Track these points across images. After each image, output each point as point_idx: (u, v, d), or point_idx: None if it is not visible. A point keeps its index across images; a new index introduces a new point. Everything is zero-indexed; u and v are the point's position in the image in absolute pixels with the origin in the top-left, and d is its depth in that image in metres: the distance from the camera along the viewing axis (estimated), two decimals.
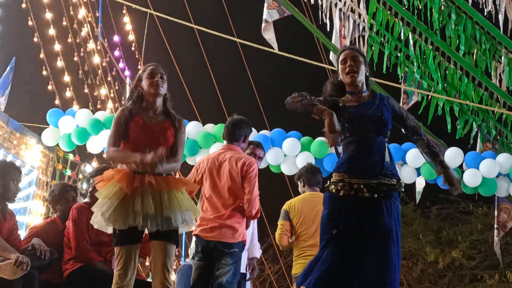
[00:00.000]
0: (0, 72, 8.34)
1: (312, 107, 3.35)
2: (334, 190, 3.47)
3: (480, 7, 7.89)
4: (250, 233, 5.14)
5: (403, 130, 3.77)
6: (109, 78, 12.34)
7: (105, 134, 7.04)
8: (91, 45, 11.93)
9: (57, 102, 10.57)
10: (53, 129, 7.40)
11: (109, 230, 3.74)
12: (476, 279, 14.79)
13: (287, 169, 7.27)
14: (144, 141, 3.75)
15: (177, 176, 4.09)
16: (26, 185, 7.53)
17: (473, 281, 14.84)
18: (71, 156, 8.32)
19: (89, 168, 8.47)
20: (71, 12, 11.70)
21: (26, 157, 7.42)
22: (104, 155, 3.84)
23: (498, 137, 8.28)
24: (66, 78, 11.45)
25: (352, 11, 8.40)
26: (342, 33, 8.32)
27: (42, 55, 10.92)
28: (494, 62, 8.11)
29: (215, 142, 7.16)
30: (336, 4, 8.35)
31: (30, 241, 4.54)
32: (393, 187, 3.47)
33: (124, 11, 12.25)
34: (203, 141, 7.17)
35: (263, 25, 8.05)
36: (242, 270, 4.90)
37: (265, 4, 8.07)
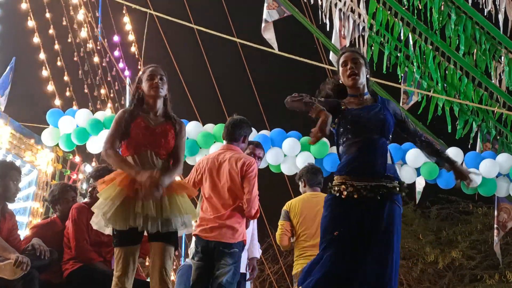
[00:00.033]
0: (0, 72, 8.34)
1: (311, 105, 3.33)
2: (337, 193, 3.44)
3: (480, 7, 7.89)
4: (250, 233, 5.14)
5: (404, 134, 3.76)
6: (109, 78, 12.34)
7: (105, 134, 7.03)
8: (91, 45, 11.93)
9: (57, 102, 10.56)
10: (53, 129, 7.39)
11: (107, 231, 3.74)
12: (476, 279, 14.79)
13: (287, 169, 7.26)
14: (145, 143, 3.76)
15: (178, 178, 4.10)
16: (26, 185, 7.54)
17: (473, 281, 14.84)
18: (71, 157, 8.33)
19: (89, 168, 8.47)
20: (71, 12, 11.70)
21: (26, 157, 7.42)
22: (102, 153, 3.81)
23: (498, 137, 8.28)
24: (66, 78, 11.45)
25: (352, 11, 8.40)
26: (342, 33, 8.32)
27: (42, 55, 10.91)
28: (494, 62, 8.12)
29: (215, 142, 7.16)
30: (336, 4, 8.35)
31: (30, 241, 4.54)
32: (395, 190, 3.46)
33: (124, 11, 12.25)
34: (203, 141, 7.17)
35: (263, 25, 8.05)
36: (242, 270, 4.90)
37: (265, 4, 8.08)
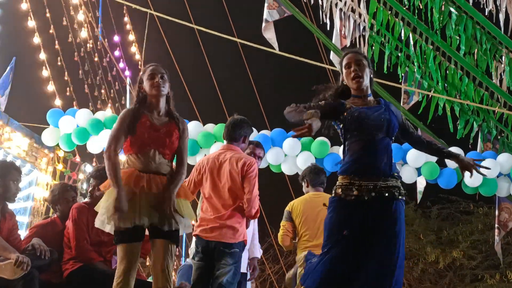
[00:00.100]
0: (0, 72, 8.34)
1: (304, 112, 3.26)
2: (343, 195, 3.39)
3: (481, 6, 7.88)
4: (250, 233, 5.13)
5: (404, 139, 3.76)
6: (109, 78, 12.34)
7: (105, 134, 7.04)
8: (91, 45, 11.93)
9: (57, 102, 10.56)
10: (53, 129, 7.39)
11: (108, 228, 3.73)
12: (476, 279, 14.77)
13: (288, 169, 7.26)
14: (150, 142, 3.76)
15: None
16: (26, 185, 7.54)
17: (474, 281, 14.82)
18: (71, 157, 8.33)
19: (89, 168, 8.47)
20: (71, 12, 11.70)
21: (26, 157, 7.42)
22: (104, 154, 3.81)
23: (499, 137, 8.27)
24: (66, 78, 11.45)
25: (353, 11, 8.40)
26: (343, 33, 8.31)
27: (42, 55, 10.91)
28: (495, 62, 8.11)
29: (215, 142, 7.16)
30: (336, 4, 8.35)
31: (30, 241, 4.54)
32: (401, 189, 3.46)
33: (124, 11, 12.26)
34: (203, 141, 7.17)
35: (263, 24, 8.04)
36: (243, 270, 4.89)
37: (266, 4, 8.07)
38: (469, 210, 15.33)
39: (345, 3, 8.33)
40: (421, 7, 8.02)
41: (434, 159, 6.96)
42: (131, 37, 12.53)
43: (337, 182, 3.49)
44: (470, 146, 8.12)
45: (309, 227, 5.16)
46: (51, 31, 11.35)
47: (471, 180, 6.95)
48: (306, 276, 3.45)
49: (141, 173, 3.70)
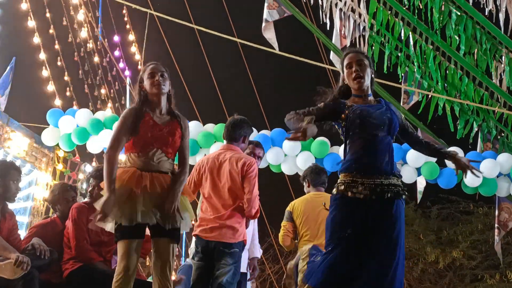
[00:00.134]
0: (0, 72, 8.34)
1: (301, 119, 3.28)
2: (347, 192, 3.38)
3: (481, 6, 7.88)
4: (250, 233, 5.13)
5: (403, 139, 3.76)
6: (109, 78, 12.34)
7: (105, 134, 7.04)
8: (91, 45, 11.93)
9: (57, 102, 10.56)
10: (53, 129, 7.39)
11: (108, 227, 3.73)
12: (476, 279, 14.78)
13: (288, 169, 7.26)
14: (153, 142, 3.76)
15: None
16: (26, 185, 7.54)
17: (474, 281, 14.83)
18: (71, 157, 8.33)
19: (89, 168, 8.47)
20: (71, 12, 11.70)
21: (26, 157, 7.43)
22: (104, 155, 3.80)
23: (499, 137, 8.27)
24: (66, 78, 11.45)
25: (353, 11, 8.39)
26: (343, 33, 8.31)
27: (42, 55, 10.91)
28: (495, 62, 8.11)
29: (215, 142, 7.16)
30: (336, 4, 8.34)
31: (30, 241, 4.54)
32: (403, 188, 3.46)
33: (124, 11, 12.26)
34: (203, 141, 7.17)
35: (263, 24, 8.04)
36: (243, 269, 4.89)
37: (266, 4, 8.07)
38: (469, 210, 15.33)
39: (345, 3, 8.33)
40: (421, 7, 8.02)
41: (434, 159, 6.96)
42: (131, 37, 12.53)
43: (339, 180, 3.48)
44: (470, 146, 8.13)
45: (309, 227, 5.15)
46: (51, 31, 11.36)
47: (471, 180, 6.96)
48: (309, 275, 3.44)
49: (142, 172, 3.70)
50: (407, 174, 7.04)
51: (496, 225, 8.01)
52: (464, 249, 14.54)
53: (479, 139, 8.18)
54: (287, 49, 8.06)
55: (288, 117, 3.45)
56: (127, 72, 12.24)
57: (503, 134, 8.31)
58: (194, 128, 7.22)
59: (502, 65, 8.09)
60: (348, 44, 8.19)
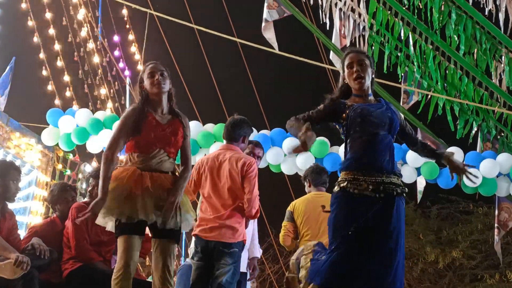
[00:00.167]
0: (0, 72, 8.34)
1: (300, 126, 3.33)
2: (350, 189, 3.38)
3: (481, 6, 7.88)
4: (250, 233, 5.13)
5: (402, 140, 3.76)
6: (109, 78, 12.34)
7: (105, 134, 7.04)
8: (91, 45, 11.93)
9: (57, 102, 10.57)
10: (53, 129, 7.39)
11: (109, 227, 3.72)
12: (476, 279, 14.77)
13: (287, 169, 7.26)
14: (156, 142, 3.76)
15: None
16: (26, 185, 7.54)
17: (474, 280, 14.82)
18: (71, 156, 8.33)
19: (89, 168, 8.47)
20: (71, 12, 11.70)
21: (26, 157, 7.42)
22: (103, 154, 3.80)
23: (498, 137, 8.28)
24: (66, 78, 11.45)
25: (352, 10, 8.40)
26: (342, 32, 8.31)
27: (42, 55, 10.92)
28: (495, 62, 8.11)
29: (215, 141, 7.16)
30: (336, 4, 8.35)
31: (30, 240, 4.54)
32: (403, 187, 3.47)
33: (124, 11, 12.25)
34: (203, 141, 7.17)
35: (263, 24, 8.04)
36: (243, 269, 4.89)
37: (265, 4, 8.07)
38: (468, 210, 15.32)
39: (345, 3, 8.33)
40: (420, 7, 8.03)
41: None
42: (131, 37, 12.53)
43: (340, 178, 3.48)
44: (468, 145, 8.13)
45: (310, 227, 5.15)
46: (51, 31, 11.36)
47: (469, 181, 6.95)
48: (313, 273, 3.44)
49: (142, 171, 3.69)
50: (407, 174, 7.03)
51: (496, 225, 8.01)
52: (464, 249, 14.53)
53: (478, 139, 8.18)
54: (287, 49, 8.06)
55: (289, 123, 3.48)
56: (127, 72, 12.23)
57: (502, 134, 8.32)
58: (194, 128, 7.22)
59: (502, 65, 8.10)
60: (348, 44, 8.19)
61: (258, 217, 4.75)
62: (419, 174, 7.18)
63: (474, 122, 8.27)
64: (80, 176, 8.37)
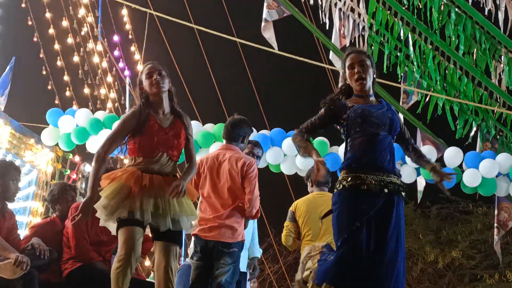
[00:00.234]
0: (0, 72, 8.34)
1: (309, 153, 3.47)
2: (352, 187, 3.39)
3: (481, 6, 7.89)
4: (250, 233, 5.13)
5: (398, 141, 3.77)
6: (109, 78, 12.34)
7: (105, 134, 7.04)
8: (91, 45, 11.94)
9: (57, 102, 10.57)
10: (52, 129, 7.40)
11: (111, 227, 3.72)
12: (476, 279, 14.78)
13: (287, 169, 7.26)
14: (159, 146, 3.75)
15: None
16: (26, 185, 7.54)
17: (473, 280, 14.83)
18: (71, 156, 8.33)
19: (88, 168, 8.47)
20: (71, 12, 11.70)
21: (26, 157, 7.43)
22: (95, 153, 3.79)
23: (498, 137, 8.28)
24: (66, 78, 11.46)
25: (352, 10, 8.40)
26: (342, 32, 8.32)
27: (42, 55, 10.92)
28: (494, 62, 8.12)
29: (214, 141, 7.16)
30: (335, 4, 8.35)
31: (30, 240, 4.54)
32: (403, 187, 3.49)
33: (124, 11, 12.25)
34: (203, 141, 7.17)
35: (262, 24, 8.05)
36: (243, 269, 4.90)
37: (265, 4, 8.07)
38: (468, 210, 15.34)
39: (345, 3, 8.34)
40: (420, 6, 8.03)
41: (433, 159, 6.97)
42: (131, 37, 12.53)
43: (340, 177, 3.49)
44: (466, 144, 8.13)
45: (311, 227, 5.14)
46: (51, 30, 11.36)
47: (471, 180, 6.98)
48: (320, 274, 3.45)
49: (143, 173, 3.68)
50: (407, 174, 7.04)
51: (495, 224, 8.02)
52: (463, 248, 14.54)
53: (478, 139, 8.19)
54: (287, 49, 8.07)
55: (294, 136, 3.62)
56: (126, 72, 12.23)
57: (502, 134, 8.32)
58: (194, 128, 7.15)
59: (501, 65, 8.10)
60: (348, 44, 8.20)
61: (258, 217, 4.76)
62: (418, 174, 7.19)
63: (473, 122, 8.27)
64: (80, 176, 8.38)
